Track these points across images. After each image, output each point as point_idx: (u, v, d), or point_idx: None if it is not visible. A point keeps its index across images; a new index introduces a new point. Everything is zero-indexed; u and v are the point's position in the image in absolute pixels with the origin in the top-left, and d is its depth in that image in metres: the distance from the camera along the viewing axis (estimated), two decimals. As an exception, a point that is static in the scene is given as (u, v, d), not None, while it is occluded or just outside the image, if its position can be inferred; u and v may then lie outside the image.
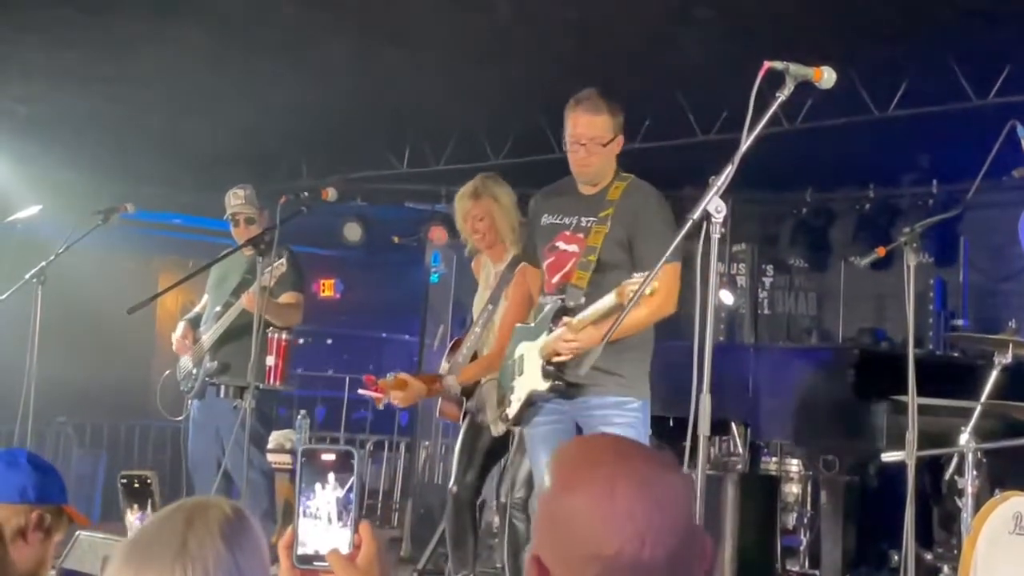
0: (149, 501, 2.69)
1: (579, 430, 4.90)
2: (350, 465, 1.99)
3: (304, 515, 1.99)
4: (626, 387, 4.72)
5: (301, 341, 9.92)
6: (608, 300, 4.41)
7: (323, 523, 1.99)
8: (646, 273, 4.17)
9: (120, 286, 10.36)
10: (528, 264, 5.21)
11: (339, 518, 1.99)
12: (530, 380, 4.85)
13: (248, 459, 6.10)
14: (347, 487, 1.99)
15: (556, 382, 4.74)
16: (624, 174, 4.93)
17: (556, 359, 4.66)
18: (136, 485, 2.70)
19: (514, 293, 5.52)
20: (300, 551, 1.98)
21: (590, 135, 4.76)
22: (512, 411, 4.95)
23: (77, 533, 3.17)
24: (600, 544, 1.55)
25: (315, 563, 1.98)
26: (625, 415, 4.77)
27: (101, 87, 8.77)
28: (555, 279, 4.87)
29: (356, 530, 1.99)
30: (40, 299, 6.44)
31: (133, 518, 2.72)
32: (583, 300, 4.71)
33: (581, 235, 4.82)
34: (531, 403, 4.90)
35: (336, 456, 2.00)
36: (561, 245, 4.88)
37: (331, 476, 1.99)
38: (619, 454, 1.64)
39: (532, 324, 4.94)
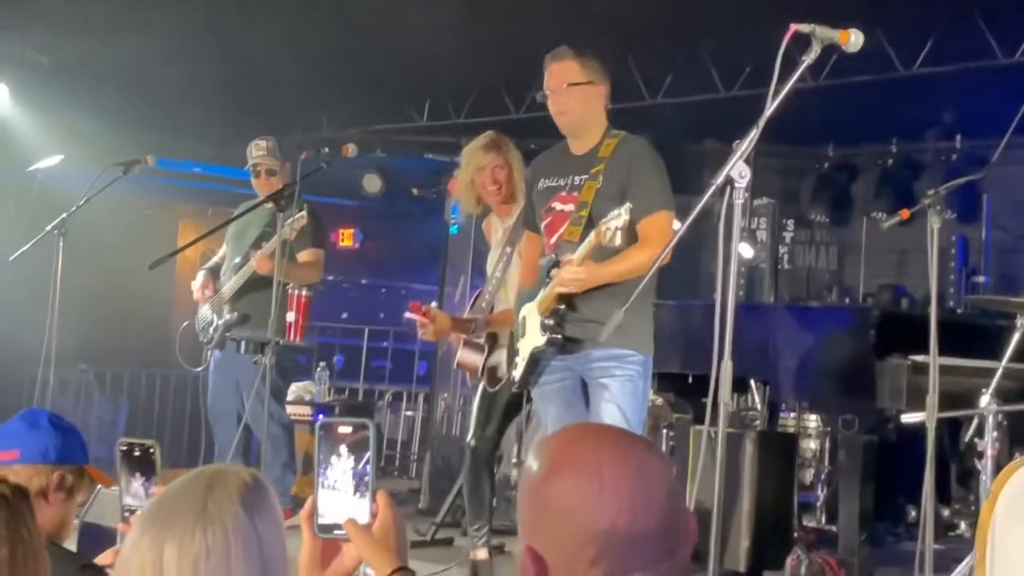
0: (148, 468, 2.69)
1: (584, 386, 4.93)
2: (366, 437, 2.04)
3: (323, 487, 2.03)
4: (626, 339, 4.65)
5: (324, 290, 9.92)
6: (590, 238, 4.46)
7: (341, 494, 2.04)
8: (619, 210, 4.29)
9: (141, 234, 10.42)
10: (528, 230, 5.23)
11: (356, 489, 2.04)
12: (531, 339, 4.88)
13: (268, 413, 6.14)
14: (364, 459, 2.04)
15: (553, 335, 4.76)
16: (615, 131, 4.95)
17: (564, 290, 4.64)
18: (137, 453, 2.69)
19: (524, 252, 5.52)
20: (320, 521, 2.04)
21: (559, 80, 4.84)
22: (518, 373, 4.97)
23: (98, 488, 3.18)
24: (593, 522, 1.58)
25: (335, 532, 2.03)
26: (625, 368, 4.77)
27: (123, 37, 8.74)
28: (552, 239, 4.91)
29: (374, 500, 2.03)
30: (61, 250, 6.46)
31: (136, 484, 2.72)
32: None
33: (575, 193, 4.86)
34: (536, 362, 4.91)
35: (353, 428, 2.04)
36: (557, 206, 4.92)
37: (348, 448, 2.04)
38: (601, 438, 1.69)
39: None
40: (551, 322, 4.77)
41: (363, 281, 14.31)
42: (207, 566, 1.65)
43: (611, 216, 4.36)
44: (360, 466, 2.05)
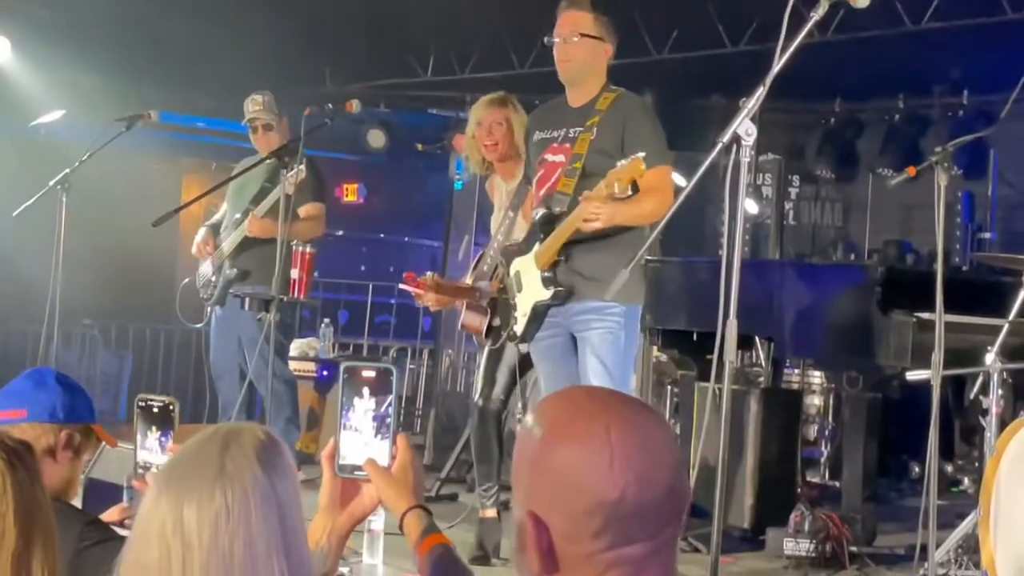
0: (166, 424, 2.70)
1: (574, 340, 4.95)
2: (389, 382, 2.10)
3: (345, 428, 2.11)
4: (604, 292, 4.59)
5: (328, 245, 9.91)
6: (601, 185, 4.46)
7: (363, 436, 2.11)
8: (624, 161, 4.30)
9: (144, 189, 10.36)
10: (529, 186, 5.25)
11: (377, 431, 2.10)
12: (532, 293, 4.90)
13: (272, 370, 6.14)
14: (386, 403, 2.10)
15: (558, 288, 4.80)
16: (613, 87, 4.97)
17: (588, 225, 4.60)
18: (156, 410, 2.70)
19: (524, 209, 5.51)
20: (341, 462, 2.12)
21: (570, 27, 4.87)
22: (519, 328, 5.01)
23: (103, 444, 3.19)
24: (602, 492, 1.56)
25: (355, 473, 2.11)
26: (605, 319, 4.79)
27: (124, -10, 8.69)
28: (542, 191, 4.94)
29: (394, 442, 2.11)
30: (64, 205, 6.44)
31: (154, 438, 2.72)
32: (566, 208, 4.75)
33: (568, 145, 4.88)
34: (538, 316, 4.94)
35: (376, 373, 2.11)
36: (549, 157, 4.94)
37: (371, 392, 2.11)
38: (605, 403, 1.66)
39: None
40: (550, 275, 4.81)
41: (368, 236, 14.28)
42: (227, 525, 1.66)
43: (622, 164, 4.35)
44: (382, 409, 2.11)
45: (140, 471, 2.78)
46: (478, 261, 5.85)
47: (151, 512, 1.69)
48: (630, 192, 4.39)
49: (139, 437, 2.77)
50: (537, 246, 4.85)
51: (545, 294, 4.83)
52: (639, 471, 1.57)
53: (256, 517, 1.67)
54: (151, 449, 2.76)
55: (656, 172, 4.68)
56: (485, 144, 5.67)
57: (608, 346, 4.79)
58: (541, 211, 4.89)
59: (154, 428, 2.76)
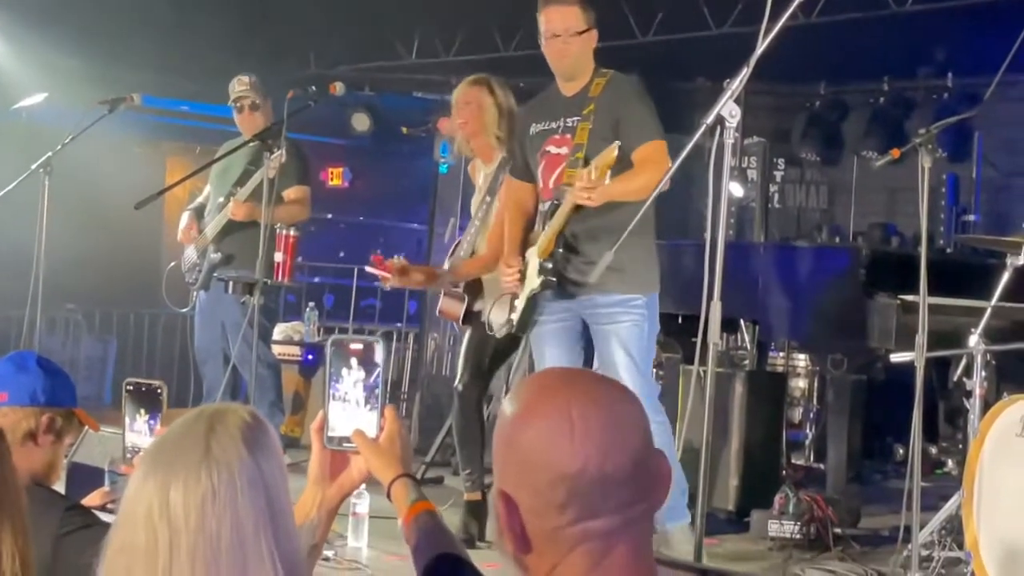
0: (154, 407, 2.69)
1: (585, 327, 5.01)
2: (376, 354, 2.12)
3: (333, 399, 2.13)
4: (630, 283, 4.76)
5: (313, 228, 9.89)
6: (591, 168, 4.53)
7: (351, 407, 2.13)
8: (607, 150, 4.39)
9: (128, 171, 10.33)
10: (512, 177, 5.28)
11: (366, 403, 2.12)
12: (529, 282, 4.95)
13: (256, 354, 6.13)
14: (374, 374, 2.12)
15: (548, 277, 4.85)
16: (603, 70, 5.02)
17: (581, 201, 4.65)
18: (144, 393, 2.70)
19: (504, 196, 5.51)
20: (329, 433, 2.13)
21: (563, 26, 4.92)
22: (516, 316, 5.04)
23: (86, 429, 3.18)
24: (563, 464, 1.58)
25: (343, 444, 2.13)
26: (630, 312, 4.87)
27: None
28: (551, 182, 4.97)
29: (382, 414, 2.12)
30: (47, 188, 6.42)
31: (143, 422, 2.72)
32: None
33: (569, 136, 4.93)
34: (535, 305, 4.99)
35: (364, 345, 2.13)
36: (552, 149, 4.99)
37: (359, 364, 2.12)
38: (571, 381, 1.69)
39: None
40: (549, 265, 4.86)
41: (353, 220, 14.25)
42: (214, 507, 1.66)
43: (603, 154, 4.43)
44: (370, 380, 2.13)
45: (129, 455, 2.78)
46: (456, 246, 5.86)
47: (137, 495, 1.69)
48: (607, 180, 4.46)
49: (127, 420, 2.77)
50: (543, 235, 4.92)
51: (536, 283, 4.90)
52: (600, 443, 1.59)
53: (243, 499, 1.67)
54: (140, 432, 2.76)
55: (649, 146, 4.78)
56: (457, 123, 5.73)
57: (635, 339, 4.86)
58: (548, 203, 4.95)
59: (142, 411, 2.76)
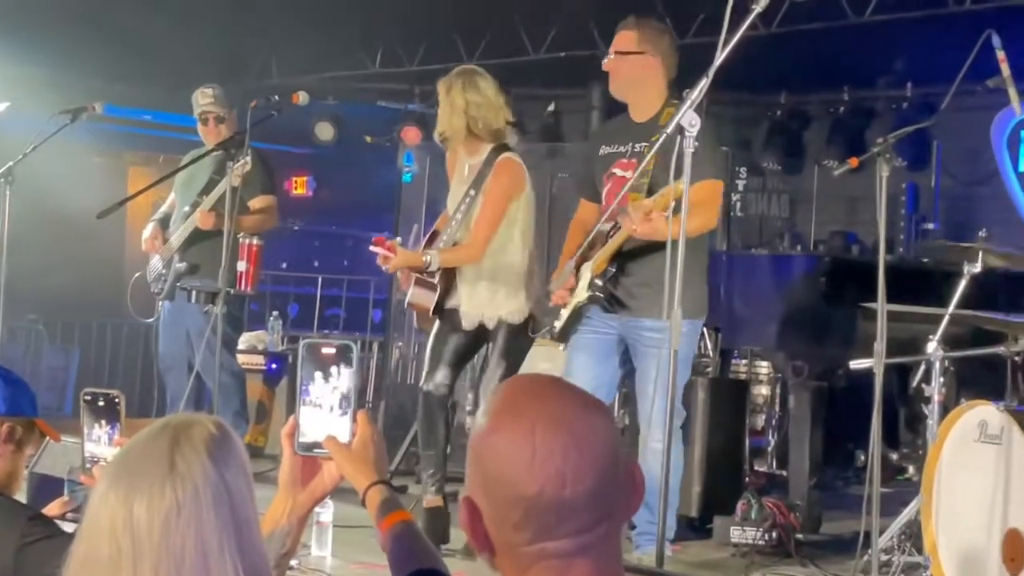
0: (113, 417, 2.69)
1: (626, 347, 5.21)
2: (349, 358, 2.10)
3: (305, 404, 2.10)
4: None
5: (277, 237, 9.87)
6: (656, 198, 4.72)
7: (323, 413, 2.09)
8: (675, 183, 4.47)
9: (90, 182, 10.29)
10: (582, 198, 5.52)
11: (339, 406, 2.09)
12: (578, 294, 5.15)
13: (219, 362, 6.12)
14: (345, 379, 2.09)
15: (596, 293, 5.06)
16: (674, 101, 5.14)
17: (635, 232, 4.82)
18: (102, 403, 2.69)
19: (494, 190, 5.51)
20: (301, 439, 2.10)
21: (616, 47, 5.19)
22: (559, 324, 5.24)
23: (47, 439, 3.18)
24: (522, 485, 1.58)
25: (315, 450, 2.10)
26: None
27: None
28: (614, 204, 5.12)
29: (355, 419, 2.09)
30: (8, 198, 6.38)
31: (102, 432, 2.71)
32: None
33: (635, 160, 5.06)
34: (579, 316, 5.19)
35: (336, 349, 2.10)
36: (618, 171, 5.16)
37: (331, 368, 2.10)
38: (539, 397, 1.66)
39: None
40: (599, 282, 5.06)
41: (317, 229, 14.24)
42: (178, 522, 1.64)
43: (670, 187, 4.56)
44: (343, 385, 2.10)
45: (88, 464, 2.77)
46: (432, 237, 5.79)
47: (100, 508, 1.68)
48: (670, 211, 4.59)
49: (85, 430, 2.76)
50: (600, 253, 5.12)
51: (583, 296, 5.12)
52: (560, 470, 1.58)
53: (207, 514, 1.66)
54: (98, 441, 2.75)
55: (706, 186, 4.92)
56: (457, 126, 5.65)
57: (677, 363, 4.91)
58: (609, 224, 5.11)
59: (102, 422, 2.75)
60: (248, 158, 6.12)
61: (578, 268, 5.24)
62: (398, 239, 5.77)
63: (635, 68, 5.13)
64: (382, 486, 2.10)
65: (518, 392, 1.71)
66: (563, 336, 5.28)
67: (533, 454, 1.59)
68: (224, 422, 1.79)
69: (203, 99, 6.89)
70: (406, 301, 5.87)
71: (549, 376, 1.81)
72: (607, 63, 5.23)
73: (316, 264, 13.51)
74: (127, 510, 1.64)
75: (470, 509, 1.64)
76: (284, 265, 12.92)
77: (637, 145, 5.11)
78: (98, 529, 1.66)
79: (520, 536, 1.60)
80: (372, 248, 5.61)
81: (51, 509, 3.24)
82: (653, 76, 5.19)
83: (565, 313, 5.20)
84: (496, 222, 5.52)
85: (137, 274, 7.05)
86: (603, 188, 5.27)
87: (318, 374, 2.10)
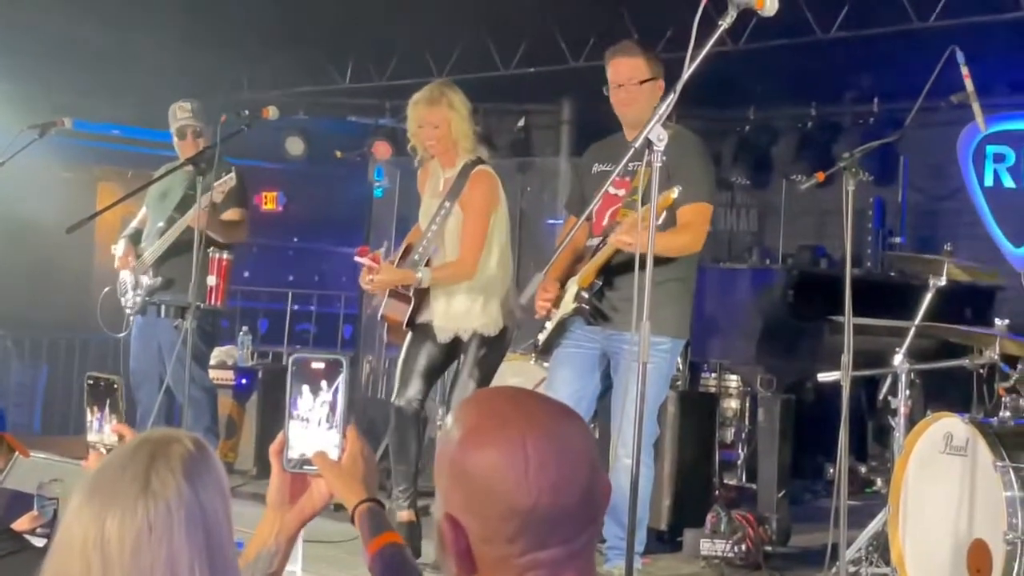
0: (108, 403, 2.68)
1: (607, 361, 5.22)
2: (338, 373, 2.10)
3: (293, 418, 2.09)
4: (660, 326, 4.74)
5: (248, 252, 9.85)
6: (632, 217, 4.74)
7: (312, 428, 2.08)
8: (668, 191, 4.56)
9: (59, 196, 10.24)
10: (570, 214, 5.58)
11: (327, 421, 2.08)
12: (563, 306, 5.16)
13: (190, 377, 6.10)
14: (334, 394, 2.09)
15: (582, 305, 5.08)
16: (668, 123, 5.09)
17: (622, 246, 4.83)
18: (101, 386, 2.69)
19: (475, 204, 5.53)
20: (289, 455, 2.09)
21: (628, 75, 5.19)
22: (543, 336, 5.25)
23: (16, 455, 3.16)
24: (517, 499, 1.58)
25: (304, 467, 2.08)
26: (656, 353, 4.86)
27: (36, -3, 8.58)
28: (604, 221, 5.19)
29: (344, 434, 2.08)
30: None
31: (93, 419, 2.71)
32: None
33: (628, 179, 5.11)
34: (563, 329, 5.21)
35: (325, 364, 2.10)
36: (611, 190, 5.14)
37: (319, 383, 2.09)
38: (524, 410, 1.66)
39: None
40: (585, 295, 5.07)
41: (287, 244, 14.22)
42: (149, 541, 1.63)
43: (662, 195, 4.52)
44: (331, 401, 2.10)
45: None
46: (407, 251, 5.78)
47: (73, 522, 1.67)
48: (662, 219, 4.60)
49: (88, 416, 2.74)
50: (586, 266, 5.14)
51: (569, 308, 5.12)
52: (554, 480, 1.59)
53: (179, 535, 1.65)
54: (91, 428, 2.74)
55: (694, 208, 5.04)
56: (428, 144, 5.67)
57: (653, 378, 4.91)
58: (598, 239, 5.15)
59: (95, 408, 2.73)
60: (232, 175, 6.15)
61: (563, 282, 5.26)
62: (381, 250, 5.77)
63: (653, 94, 5.16)
64: (371, 504, 2.08)
65: (499, 404, 1.69)
66: (546, 349, 5.30)
67: (527, 466, 1.59)
68: (202, 439, 1.78)
69: (181, 113, 6.88)
70: (379, 312, 5.84)
71: (518, 388, 1.81)
72: (624, 94, 5.20)
73: (285, 279, 13.48)
74: (99, 526, 1.63)
75: (453, 526, 1.63)
76: (248, 276, 12.90)
77: (630, 164, 5.05)
78: (70, 545, 1.65)
79: (512, 548, 1.60)
80: (356, 259, 5.61)
81: (20, 524, 3.23)
82: (657, 99, 5.18)
83: (550, 326, 5.23)
84: (482, 237, 5.55)
85: (107, 288, 7.02)
86: (596, 205, 5.18)
87: (306, 388, 2.09)
